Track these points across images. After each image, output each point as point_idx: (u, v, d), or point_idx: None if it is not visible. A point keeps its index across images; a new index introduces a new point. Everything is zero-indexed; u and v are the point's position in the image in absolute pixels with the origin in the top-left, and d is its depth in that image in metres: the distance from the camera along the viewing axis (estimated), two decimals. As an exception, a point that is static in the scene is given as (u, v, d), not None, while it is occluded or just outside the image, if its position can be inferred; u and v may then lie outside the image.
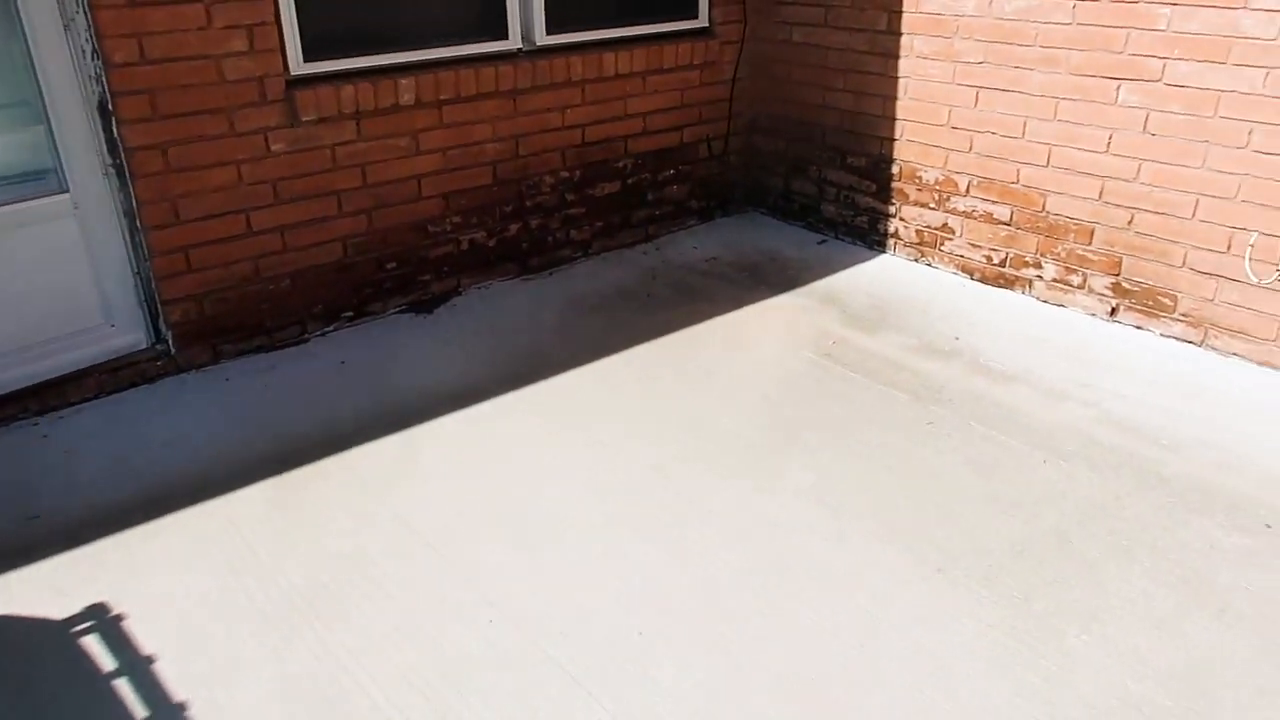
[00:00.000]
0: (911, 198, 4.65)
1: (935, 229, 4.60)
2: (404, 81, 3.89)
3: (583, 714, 2.19)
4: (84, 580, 2.63)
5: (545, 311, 4.26)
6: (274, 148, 3.67)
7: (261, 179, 3.68)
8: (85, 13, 3.18)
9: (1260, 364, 3.63)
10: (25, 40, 3.18)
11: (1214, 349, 3.75)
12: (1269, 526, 2.78)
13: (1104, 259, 4.00)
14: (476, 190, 4.31)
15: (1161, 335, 3.89)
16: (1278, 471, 3.03)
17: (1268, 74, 3.37)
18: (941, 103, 4.39)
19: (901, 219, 4.74)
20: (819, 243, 5.05)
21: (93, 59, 3.25)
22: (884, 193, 4.77)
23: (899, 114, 4.58)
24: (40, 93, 3.25)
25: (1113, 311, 4.03)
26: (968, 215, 4.44)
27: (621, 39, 4.63)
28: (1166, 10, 3.56)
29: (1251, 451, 3.13)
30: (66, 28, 3.22)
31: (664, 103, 4.86)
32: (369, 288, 4.12)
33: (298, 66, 3.67)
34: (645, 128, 4.84)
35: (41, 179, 3.36)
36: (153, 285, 3.58)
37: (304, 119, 3.69)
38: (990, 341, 3.91)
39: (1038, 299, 4.27)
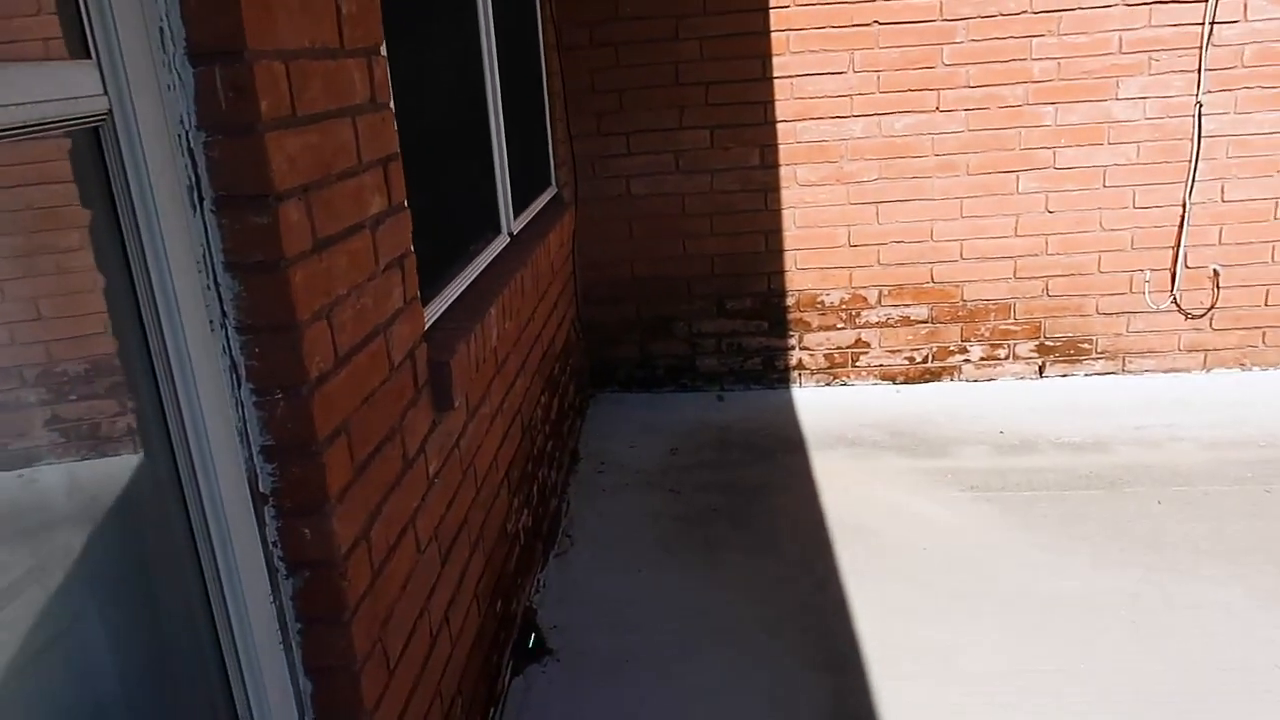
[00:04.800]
0: (815, 324, 4.51)
1: (847, 348, 4.54)
2: (493, 312, 2.42)
3: None
4: None
5: (669, 601, 3.03)
6: (431, 469, 1.95)
7: (429, 538, 1.92)
8: (214, 278, 1.31)
9: (1167, 371, 4.46)
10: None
11: (1129, 372, 4.47)
12: None
13: (1026, 327, 4.45)
14: (518, 455, 2.88)
15: (1085, 375, 4.49)
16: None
17: (1138, 148, 4.19)
18: (838, 224, 4.37)
19: (805, 348, 4.55)
20: (718, 399, 4.55)
21: (233, 381, 1.34)
22: (779, 328, 4.53)
23: (787, 246, 4.41)
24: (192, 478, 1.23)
25: (1040, 369, 4.51)
26: (883, 325, 4.49)
27: (540, 214, 3.58)
28: (1050, 108, 4.16)
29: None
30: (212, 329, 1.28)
31: (560, 288, 3.87)
32: (494, 653, 2.44)
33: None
34: (560, 323, 3.78)
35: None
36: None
37: (456, 402, 2.04)
38: (1049, 425, 3.99)
39: (968, 380, 4.54)
